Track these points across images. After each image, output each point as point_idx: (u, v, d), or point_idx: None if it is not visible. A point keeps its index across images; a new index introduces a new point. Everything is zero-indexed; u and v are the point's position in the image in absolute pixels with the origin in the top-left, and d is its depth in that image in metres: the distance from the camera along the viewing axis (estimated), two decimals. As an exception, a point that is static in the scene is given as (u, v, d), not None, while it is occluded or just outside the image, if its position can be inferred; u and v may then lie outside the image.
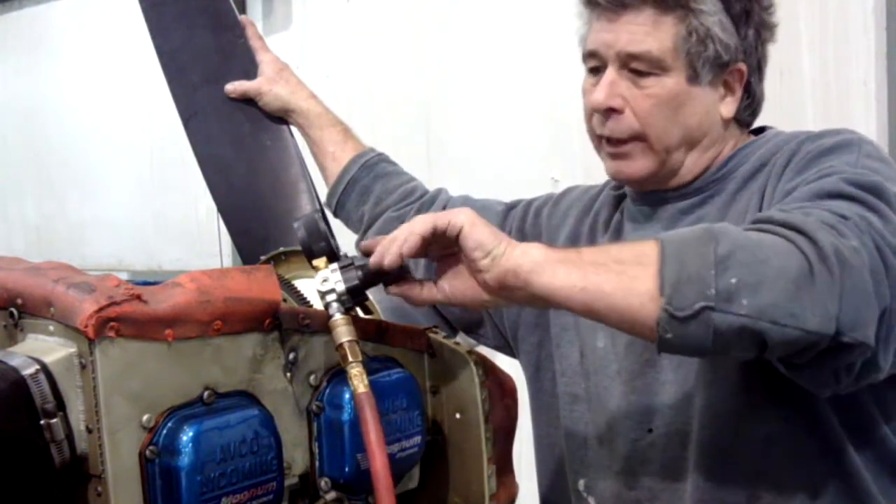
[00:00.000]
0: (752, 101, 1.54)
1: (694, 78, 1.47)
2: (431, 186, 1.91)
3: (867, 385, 1.32)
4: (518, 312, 1.71)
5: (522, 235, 1.72)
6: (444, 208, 1.82)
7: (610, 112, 1.49)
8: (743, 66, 1.50)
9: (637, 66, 1.47)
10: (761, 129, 1.58)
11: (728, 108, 1.51)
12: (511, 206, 1.80)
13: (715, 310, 1.14)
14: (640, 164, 1.51)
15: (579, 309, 1.22)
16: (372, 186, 1.86)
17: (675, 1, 1.45)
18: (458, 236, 1.21)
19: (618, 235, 1.60)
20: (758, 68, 1.53)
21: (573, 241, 1.65)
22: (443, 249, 1.25)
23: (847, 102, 2.85)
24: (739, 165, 1.51)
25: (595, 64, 1.51)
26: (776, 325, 1.14)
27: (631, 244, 1.26)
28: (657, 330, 1.17)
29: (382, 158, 1.89)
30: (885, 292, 1.20)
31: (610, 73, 1.48)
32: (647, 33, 1.46)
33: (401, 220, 1.82)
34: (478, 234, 1.21)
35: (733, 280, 1.14)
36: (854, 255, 1.17)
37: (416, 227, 1.21)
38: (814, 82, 2.86)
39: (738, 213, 1.46)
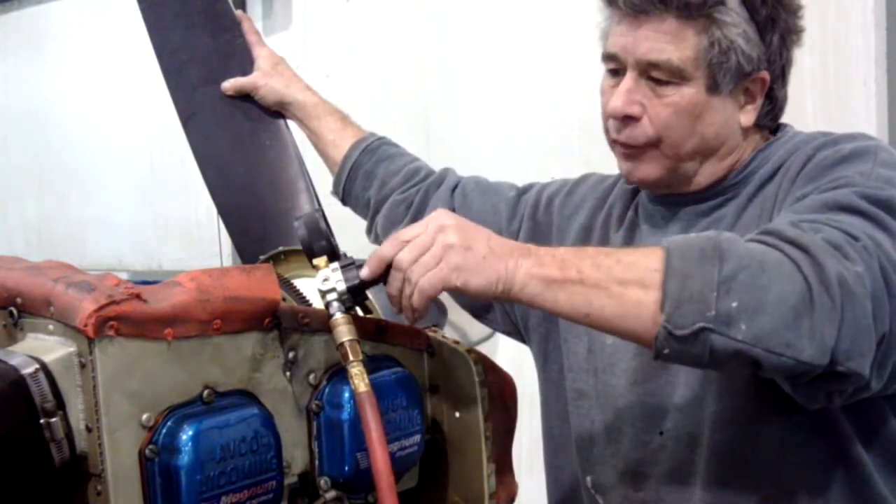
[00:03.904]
0: (773, 107, 1.51)
1: (714, 88, 1.44)
2: (432, 186, 1.90)
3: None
4: None
5: (535, 223, 1.71)
6: (452, 191, 1.80)
7: (627, 119, 1.47)
8: (766, 74, 1.47)
9: (656, 75, 1.44)
10: (778, 126, 1.55)
11: (748, 116, 1.48)
12: (523, 191, 1.78)
13: (714, 331, 1.15)
14: (651, 168, 1.49)
15: (582, 325, 1.26)
16: (375, 170, 1.84)
17: (699, 11, 1.41)
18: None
19: (631, 233, 1.58)
20: (781, 74, 1.49)
21: (585, 233, 1.64)
22: None
23: (847, 102, 2.85)
24: (758, 168, 1.48)
25: (614, 66, 1.49)
26: (771, 354, 1.15)
27: (634, 257, 1.23)
28: (655, 344, 1.18)
29: (384, 142, 1.88)
30: (885, 317, 1.19)
31: (628, 79, 1.46)
32: (668, 42, 1.42)
33: (407, 202, 1.81)
34: (475, 285, 1.20)
35: (734, 304, 1.14)
36: (858, 282, 1.17)
37: (426, 290, 1.20)
38: (814, 82, 2.86)
39: (752, 217, 1.45)
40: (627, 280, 1.19)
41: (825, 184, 1.33)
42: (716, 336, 1.15)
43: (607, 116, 1.50)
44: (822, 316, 1.14)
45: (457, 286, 1.20)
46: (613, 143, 1.52)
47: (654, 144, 1.47)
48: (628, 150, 1.49)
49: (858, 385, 1.21)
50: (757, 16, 1.44)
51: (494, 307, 1.76)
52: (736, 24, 1.42)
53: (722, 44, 1.42)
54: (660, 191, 1.54)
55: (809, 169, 1.39)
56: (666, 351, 1.18)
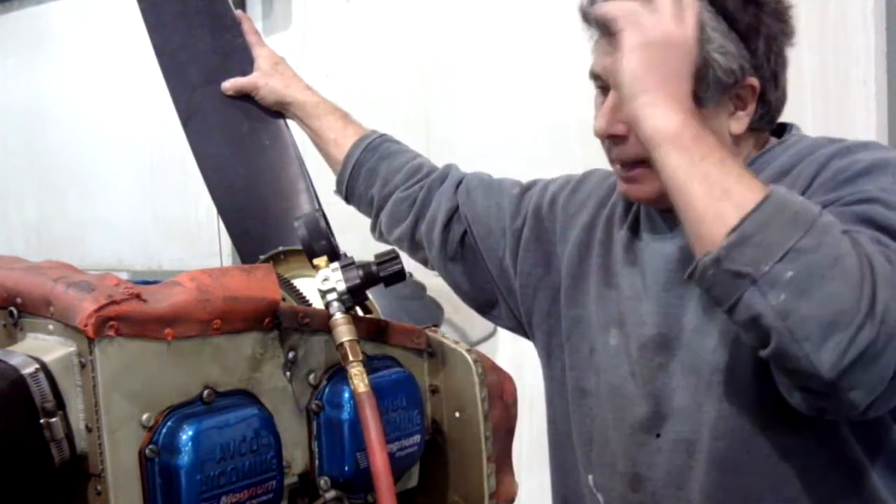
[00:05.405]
0: (768, 110, 1.49)
1: (697, 101, 1.40)
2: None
3: None
4: (532, 298, 1.69)
5: (538, 221, 1.71)
6: (456, 188, 1.80)
7: (614, 138, 1.46)
8: (755, 81, 1.44)
9: None
10: (783, 126, 1.54)
11: (739, 123, 1.46)
12: (527, 188, 1.77)
13: (754, 284, 1.15)
14: (648, 188, 1.48)
15: (666, 186, 1.27)
16: (377, 168, 1.84)
17: None
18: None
19: (633, 233, 1.57)
20: (773, 77, 1.47)
21: (589, 231, 1.63)
22: None
23: (847, 102, 2.85)
24: (758, 172, 1.44)
25: (600, 84, 1.49)
26: (789, 336, 1.14)
27: (748, 182, 1.23)
28: (699, 259, 1.19)
29: (386, 139, 1.87)
30: None
31: (611, 98, 1.45)
32: None
33: (410, 199, 1.81)
34: (629, 65, 1.27)
35: (789, 273, 1.14)
36: None
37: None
38: (814, 82, 2.86)
39: None
40: (730, 192, 1.20)
41: (850, 196, 1.31)
42: (753, 290, 1.15)
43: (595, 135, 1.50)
44: (857, 338, 1.13)
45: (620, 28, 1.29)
46: (611, 161, 1.52)
47: (644, 162, 1.44)
48: (624, 172, 1.49)
49: (848, 414, 1.22)
50: (738, 24, 1.41)
51: (499, 303, 1.76)
52: (710, 40, 1.40)
53: (696, 61, 1.38)
54: (661, 206, 1.51)
55: (825, 179, 1.37)
56: (706, 271, 1.18)
